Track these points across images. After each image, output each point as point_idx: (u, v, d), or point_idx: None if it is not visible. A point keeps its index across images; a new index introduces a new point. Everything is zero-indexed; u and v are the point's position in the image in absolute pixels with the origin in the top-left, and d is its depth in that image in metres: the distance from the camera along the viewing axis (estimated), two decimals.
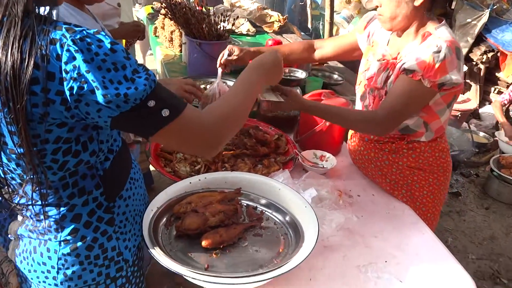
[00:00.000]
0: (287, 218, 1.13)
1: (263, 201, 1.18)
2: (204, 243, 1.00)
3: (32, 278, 0.72)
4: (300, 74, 1.71)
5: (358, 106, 1.32)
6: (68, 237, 0.69)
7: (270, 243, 1.05)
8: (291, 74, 1.70)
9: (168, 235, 1.04)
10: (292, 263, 0.90)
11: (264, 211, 1.17)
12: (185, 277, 0.83)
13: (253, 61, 0.81)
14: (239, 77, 0.72)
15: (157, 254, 0.87)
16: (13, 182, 0.63)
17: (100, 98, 0.53)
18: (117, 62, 0.53)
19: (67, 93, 0.53)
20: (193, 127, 0.60)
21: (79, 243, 0.70)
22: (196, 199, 1.14)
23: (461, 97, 3.67)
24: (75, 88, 0.53)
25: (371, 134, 1.25)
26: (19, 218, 0.69)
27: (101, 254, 0.76)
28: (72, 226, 0.69)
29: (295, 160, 1.44)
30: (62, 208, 0.67)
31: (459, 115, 3.51)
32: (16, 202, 0.65)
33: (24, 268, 0.70)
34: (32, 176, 0.55)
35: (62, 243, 0.69)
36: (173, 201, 1.12)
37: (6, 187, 0.64)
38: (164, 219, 1.08)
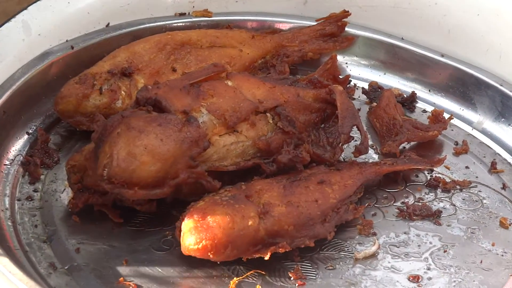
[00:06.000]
0: None
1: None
2: (190, 241, 0.74)
3: None
4: None
5: None
6: None
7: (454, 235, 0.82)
8: None
9: (37, 202, 0.85)
10: None
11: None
12: None
13: None
14: None
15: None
16: None
17: None
18: None
19: None
20: None
21: None
22: (151, 50, 0.94)
23: None
24: None
25: None
26: None
27: None
28: None
29: None
30: None
31: None
32: None
33: None
34: None
35: None
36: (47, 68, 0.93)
37: None
38: (20, 140, 0.89)
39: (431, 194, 0.87)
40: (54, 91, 0.86)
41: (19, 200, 0.83)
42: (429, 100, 0.94)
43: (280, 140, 0.83)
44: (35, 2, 0.93)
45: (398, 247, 0.82)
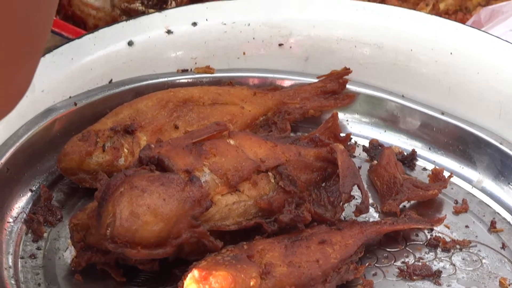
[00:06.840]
0: None
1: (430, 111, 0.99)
2: None
3: None
4: None
5: None
6: None
7: None
8: None
9: (43, 262, 0.84)
10: None
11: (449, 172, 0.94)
12: None
13: None
14: None
15: None
16: None
17: None
18: None
19: None
20: None
21: None
22: (153, 107, 0.94)
23: None
24: None
25: None
26: None
27: None
28: None
29: None
30: None
31: None
32: None
33: None
34: None
35: None
36: (46, 128, 0.91)
37: None
38: (24, 197, 0.89)
39: (431, 253, 0.85)
40: (57, 148, 0.86)
41: (22, 258, 0.81)
42: (429, 158, 0.93)
43: (281, 200, 0.81)
44: None
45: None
